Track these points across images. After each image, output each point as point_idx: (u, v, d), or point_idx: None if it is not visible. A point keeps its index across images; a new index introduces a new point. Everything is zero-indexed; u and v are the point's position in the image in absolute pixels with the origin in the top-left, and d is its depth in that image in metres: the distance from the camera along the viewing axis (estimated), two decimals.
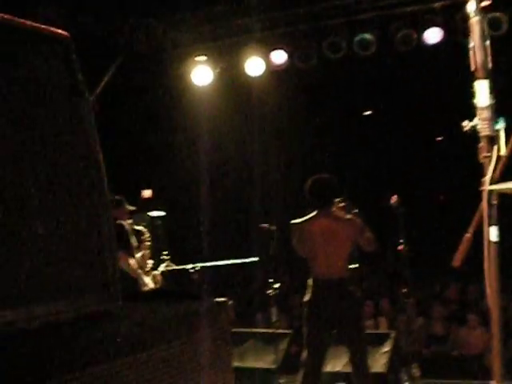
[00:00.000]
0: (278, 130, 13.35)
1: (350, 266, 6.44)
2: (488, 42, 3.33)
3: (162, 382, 1.70)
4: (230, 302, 1.96)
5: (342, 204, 6.28)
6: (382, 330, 9.16)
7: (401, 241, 7.40)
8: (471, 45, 3.36)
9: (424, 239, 11.07)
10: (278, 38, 9.70)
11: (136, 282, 7.20)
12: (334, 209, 6.22)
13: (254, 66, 9.81)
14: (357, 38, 9.17)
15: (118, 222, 7.44)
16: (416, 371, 7.58)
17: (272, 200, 13.28)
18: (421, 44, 8.85)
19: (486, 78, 3.26)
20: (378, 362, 7.56)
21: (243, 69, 9.87)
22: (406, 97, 12.28)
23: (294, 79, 11.38)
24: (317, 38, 9.49)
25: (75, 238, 1.69)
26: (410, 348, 7.98)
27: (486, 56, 3.26)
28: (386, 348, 7.70)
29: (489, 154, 3.30)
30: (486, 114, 3.27)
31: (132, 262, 7.32)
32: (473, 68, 3.33)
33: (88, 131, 1.75)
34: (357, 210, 6.33)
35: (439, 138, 13.26)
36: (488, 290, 3.24)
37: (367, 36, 9.15)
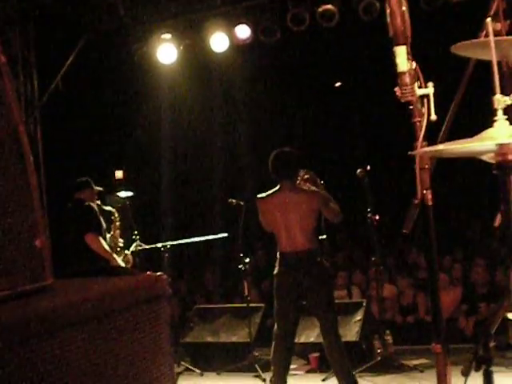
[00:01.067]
0: (245, 105, 13.34)
1: (319, 237, 6.51)
2: (404, 8, 3.35)
3: (93, 358, 1.71)
4: (165, 276, 1.98)
5: (306, 176, 6.31)
6: (355, 299, 9.24)
7: (368, 210, 7.47)
8: (388, 11, 3.39)
9: (392, 207, 11.14)
10: (241, 12, 9.66)
11: (107, 262, 7.22)
12: (297, 181, 6.26)
13: (219, 41, 9.77)
14: (319, 10, 9.15)
15: (87, 203, 7.45)
16: (388, 338, 7.68)
17: (240, 176, 13.30)
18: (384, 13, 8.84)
19: (403, 44, 3.28)
20: (351, 330, 7.67)
21: (208, 45, 9.83)
22: (372, 67, 12.30)
23: (259, 54, 11.36)
24: (279, 11, 9.46)
25: (2, 218, 1.70)
26: (382, 316, 8.08)
27: (403, 21, 3.28)
28: (358, 317, 7.80)
29: (418, 119, 3.34)
30: (406, 79, 3.30)
31: (104, 242, 7.33)
32: (391, 34, 3.36)
33: (9, 107, 1.74)
34: (322, 182, 6.38)
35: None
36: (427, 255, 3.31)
37: (330, 7, 9.12)
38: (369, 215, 7.46)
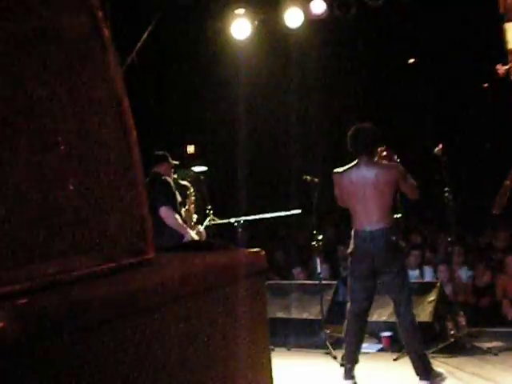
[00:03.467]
0: (319, 81, 13.24)
1: (394, 216, 6.42)
2: None
3: (195, 333, 1.72)
4: (263, 252, 1.97)
5: (384, 153, 6.23)
6: (428, 279, 9.13)
7: (446, 189, 7.34)
8: None
9: (471, 188, 10.96)
10: None
11: (182, 236, 7.28)
12: (376, 159, 6.18)
13: (293, 16, 9.70)
14: None
15: (163, 177, 7.51)
16: (462, 320, 7.58)
17: (315, 152, 13.23)
18: None
19: None
20: (424, 311, 7.58)
21: (282, 20, 9.77)
22: (449, 44, 12.05)
23: (334, 29, 11.24)
24: None
25: (106, 191, 1.72)
26: (456, 297, 7.96)
27: None
28: (432, 297, 7.70)
29: None
30: None
31: (178, 217, 7.39)
32: (501, 10, 3.26)
33: (113, 81, 1.76)
34: (398, 159, 6.29)
35: (486, 85, 12.99)
36: None
37: None
38: (446, 194, 7.33)
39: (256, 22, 9.96)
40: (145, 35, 9.77)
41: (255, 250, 1.97)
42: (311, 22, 9.86)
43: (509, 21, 3.15)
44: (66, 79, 1.74)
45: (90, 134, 1.69)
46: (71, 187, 1.62)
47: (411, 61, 14.26)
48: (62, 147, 1.62)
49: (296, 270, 10.33)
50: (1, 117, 1.55)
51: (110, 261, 1.70)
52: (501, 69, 3.22)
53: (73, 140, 1.66)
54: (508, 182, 3.18)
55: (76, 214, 1.64)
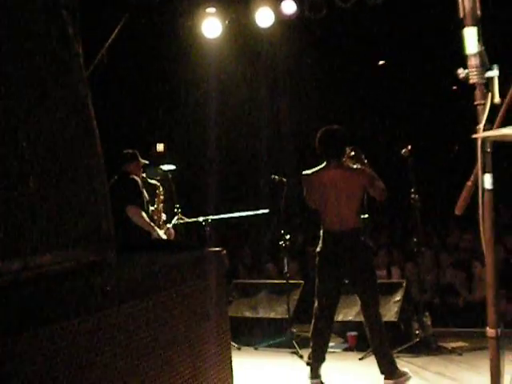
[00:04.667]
0: (288, 81, 13.28)
1: (362, 216, 6.47)
2: None
3: (156, 330, 1.74)
4: (224, 252, 1.98)
5: (352, 154, 6.28)
6: (395, 279, 9.20)
7: (412, 190, 7.41)
8: None
9: (436, 189, 11.06)
10: None
11: (149, 235, 7.26)
12: (344, 159, 6.23)
13: (264, 16, 9.71)
14: None
15: (131, 176, 7.49)
16: (427, 320, 7.64)
17: (283, 152, 13.27)
18: None
19: (474, 25, 3.23)
20: (390, 310, 7.63)
21: (253, 20, 9.78)
22: (418, 47, 12.15)
23: (303, 30, 11.27)
24: None
25: (69, 191, 1.72)
26: (421, 297, 8.03)
27: (474, 3, 3.23)
28: (398, 297, 7.77)
29: (482, 102, 3.29)
30: (475, 61, 3.25)
31: (145, 215, 7.37)
32: (461, 15, 3.31)
33: (77, 82, 1.76)
34: (366, 160, 6.33)
35: (454, 87, 13.12)
36: (482, 237, 3.26)
37: None
38: (412, 195, 7.41)
39: (227, 21, 9.95)
40: (115, 33, 9.71)
41: (217, 249, 1.99)
42: (282, 22, 9.88)
43: (467, 25, 3.20)
44: (30, 78, 1.74)
45: (52, 133, 1.70)
46: (32, 185, 1.63)
47: (381, 62, 14.36)
48: (24, 144, 1.62)
49: (268, 269, 10.37)
50: None
51: (72, 259, 1.71)
52: (462, 73, 3.27)
53: (35, 139, 1.66)
54: (470, 183, 3.23)
55: (38, 213, 1.64)
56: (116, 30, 9.72)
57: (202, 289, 1.92)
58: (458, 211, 3.24)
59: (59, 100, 1.73)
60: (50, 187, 1.72)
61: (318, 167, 6.24)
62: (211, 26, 9.93)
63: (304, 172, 6.31)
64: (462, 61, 3.37)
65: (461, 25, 3.30)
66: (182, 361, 1.84)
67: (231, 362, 1.96)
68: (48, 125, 1.71)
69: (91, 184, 1.82)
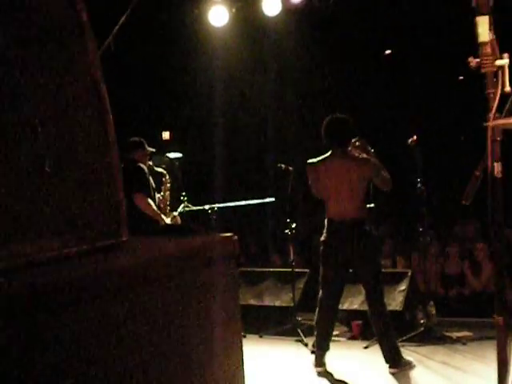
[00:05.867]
0: (296, 70, 13.24)
1: (367, 206, 6.47)
2: None
3: (167, 315, 1.75)
4: (236, 237, 2.00)
5: (358, 143, 6.27)
6: (400, 268, 9.21)
7: (418, 180, 7.41)
8: None
9: (443, 178, 11.04)
10: None
11: (156, 223, 7.28)
12: (349, 148, 6.23)
13: (271, 5, 9.69)
14: None
15: (138, 164, 7.50)
16: (432, 309, 7.67)
17: (289, 140, 13.25)
18: None
19: (486, 14, 3.23)
20: (395, 300, 7.66)
21: (260, 8, 9.76)
22: (427, 36, 12.09)
23: (311, 18, 11.24)
24: None
25: (83, 175, 1.73)
26: (427, 286, 8.05)
27: None
28: (403, 287, 7.79)
29: (492, 90, 3.29)
30: (487, 49, 3.25)
31: (152, 203, 7.39)
32: (473, 3, 3.31)
33: (91, 65, 1.77)
34: (372, 150, 6.34)
35: (461, 77, 13.07)
36: (490, 226, 3.27)
37: None
38: (418, 185, 7.41)
39: (234, 10, 9.93)
40: (122, 20, 9.70)
41: (227, 234, 2.00)
42: (289, 10, 9.86)
43: (480, 14, 3.19)
44: (44, 63, 1.75)
45: (67, 117, 1.71)
46: (47, 168, 1.64)
47: (387, 52, 14.30)
48: (39, 128, 1.63)
49: (273, 257, 10.38)
50: None
51: (85, 242, 1.72)
52: (472, 62, 3.27)
53: (50, 122, 1.67)
54: (477, 173, 3.23)
55: (53, 196, 1.66)
56: (123, 17, 9.71)
57: (213, 274, 1.93)
58: (465, 201, 3.25)
59: (74, 84, 1.74)
60: (65, 170, 1.73)
61: (324, 156, 6.25)
62: (218, 15, 9.91)
63: (309, 161, 6.32)
64: (471, 50, 3.37)
65: (472, 13, 3.29)
66: (193, 345, 1.85)
67: (242, 349, 1.97)
68: (63, 108, 1.73)
69: (105, 167, 1.83)
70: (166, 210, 7.88)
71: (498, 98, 3.25)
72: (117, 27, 9.74)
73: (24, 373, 1.41)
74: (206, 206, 8.37)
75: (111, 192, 1.83)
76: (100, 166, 1.80)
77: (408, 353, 6.68)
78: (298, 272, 8.40)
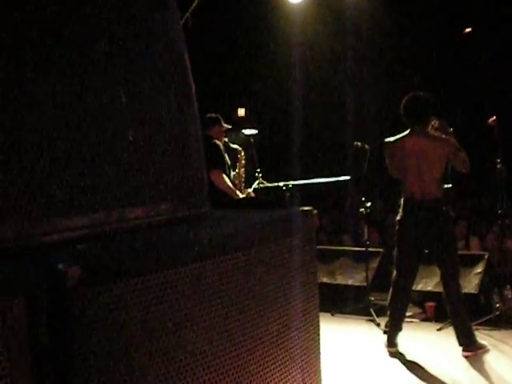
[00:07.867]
0: (374, 47, 13.08)
1: (444, 186, 6.37)
2: None
3: (250, 283, 1.77)
4: (315, 211, 2.00)
5: (437, 124, 6.16)
6: (474, 250, 9.05)
7: (498, 161, 7.25)
8: None
9: None
10: None
11: (231, 199, 7.33)
12: (428, 128, 6.12)
13: None
14: None
15: (214, 140, 7.55)
16: (508, 293, 7.52)
17: (366, 118, 13.13)
18: None
19: None
20: (470, 282, 7.54)
21: None
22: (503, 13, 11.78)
23: None
24: None
25: (165, 146, 1.76)
26: (503, 270, 7.89)
27: None
28: (479, 269, 7.66)
29: None
30: None
31: (227, 179, 7.44)
32: None
33: (174, 42, 1.79)
34: (452, 130, 6.22)
35: None
36: None
37: None
38: (498, 166, 7.25)
39: None
40: None
41: (307, 208, 2.00)
42: None
43: None
44: (128, 37, 1.78)
45: (151, 87, 1.73)
46: (130, 138, 1.67)
47: (468, 30, 14.00)
48: (124, 100, 1.66)
49: (345, 237, 10.34)
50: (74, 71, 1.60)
51: (167, 213, 1.75)
52: None
53: (134, 93, 1.70)
54: None
55: (135, 166, 1.69)
56: None
57: (293, 246, 1.94)
58: None
59: (159, 57, 1.76)
60: (147, 140, 1.76)
61: (402, 134, 6.16)
62: None
63: (386, 139, 6.24)
64: None
65: None
66: (270, 317, 1.87)
67: (318, 323, 1.98)
68: (147, 79, 1.75)
69: (187, 138, 1.86)
70: (241, 186, 7.92)
71: None
72: (195, 3, 9.78)
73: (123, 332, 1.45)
74: (281, 183, 8.38)
75: (196, 164, 1.86)
76: (184, 138, 1.82)
77: (482, 336, 6.58)
78: (372, 251, 8.35)
